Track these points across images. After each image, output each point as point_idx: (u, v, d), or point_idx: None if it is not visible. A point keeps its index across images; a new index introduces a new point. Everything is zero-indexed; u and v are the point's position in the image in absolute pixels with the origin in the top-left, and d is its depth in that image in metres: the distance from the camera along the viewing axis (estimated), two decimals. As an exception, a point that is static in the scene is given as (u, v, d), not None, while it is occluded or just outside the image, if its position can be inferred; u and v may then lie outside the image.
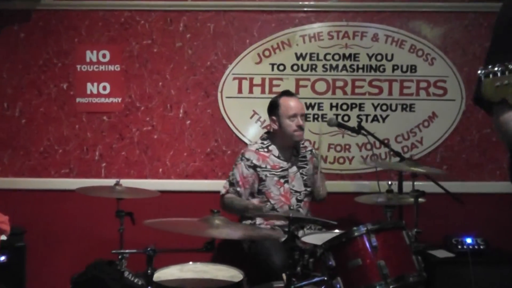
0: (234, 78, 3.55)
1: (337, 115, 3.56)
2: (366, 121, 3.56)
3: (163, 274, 2.19)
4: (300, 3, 3.56)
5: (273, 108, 3.06)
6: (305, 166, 3.11)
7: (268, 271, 2.64)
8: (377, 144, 3.43)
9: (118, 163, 3.57)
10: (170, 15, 3.54)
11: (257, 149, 3.06)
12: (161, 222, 2.12)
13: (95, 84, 3.55)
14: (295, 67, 3.56)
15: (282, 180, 3.02)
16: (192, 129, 3.57)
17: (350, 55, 3.56)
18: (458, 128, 3.59)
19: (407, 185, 2.94)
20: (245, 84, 3.55)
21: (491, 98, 1.30)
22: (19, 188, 3.51)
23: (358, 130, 3.10)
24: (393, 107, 3.58)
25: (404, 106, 3.59)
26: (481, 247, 3.23)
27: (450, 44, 3.57)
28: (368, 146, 3.46)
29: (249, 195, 3.04)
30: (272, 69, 3.56)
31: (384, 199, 2.78)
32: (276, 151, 3.06)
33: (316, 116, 3.58)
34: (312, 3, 3.56)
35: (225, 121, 3.57)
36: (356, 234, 2.03)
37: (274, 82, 3.55)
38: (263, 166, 3.01)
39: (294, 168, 3.07)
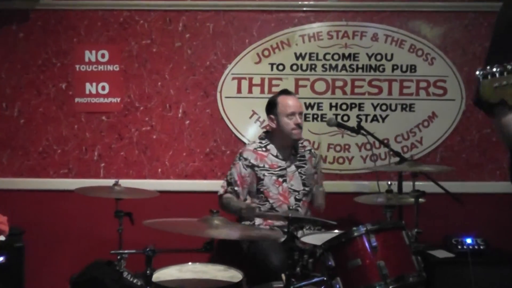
0: (234, 78, 3.55)
1: (336, 115, 3.56)
2: (366, 121, 3.56)
3: (162, 274, 2.18)
4: (300, 2, 3.55)
5: (271, 107, 3.06)
6: (303, 165, 3.10)
7: (267, 272, 2.63)
8: (377, 144, 3.42)
9: (117, 163, 3.57)
10: (169, 15, 3.53)
11: (255, 148, 3.06)
12: (160, 222, 2.11)
13: (94, 84, 3.55)
14: (294, 67, 3.56)
15: (280, 179, 3.01)
16: (191, 129, 3.57)
17: (349, 55, 3.56)
18: (458, 128, 3.59)
19: (407, 185, 2.94)
20: (245, 84, 3.55)
21: (490, 99, 1.29)
22: (18, 188, 3.51)
23: (358, 130, 3.10)
24: (393, 107, 3.57)
25: (404, 106, 3.58)
26: (481, 247, 3.22)
27: (450, 44, 3.57)
28: (368, 146, 3.46)
29: (248, 194, 3.04)
30: (272, 69, 3.55)
31: (383, 199, 2.78)
32: (274, 150, 3.05)
33: (315, 116, 3.57)
34: (311, 2, 3.56)
35: (224, 121, 3.56)
36: (355, 234, 2.02)
37: (274, 82, 3.54)
38: (261, 165, 3.01)
39: (293, 167, 3.07)
